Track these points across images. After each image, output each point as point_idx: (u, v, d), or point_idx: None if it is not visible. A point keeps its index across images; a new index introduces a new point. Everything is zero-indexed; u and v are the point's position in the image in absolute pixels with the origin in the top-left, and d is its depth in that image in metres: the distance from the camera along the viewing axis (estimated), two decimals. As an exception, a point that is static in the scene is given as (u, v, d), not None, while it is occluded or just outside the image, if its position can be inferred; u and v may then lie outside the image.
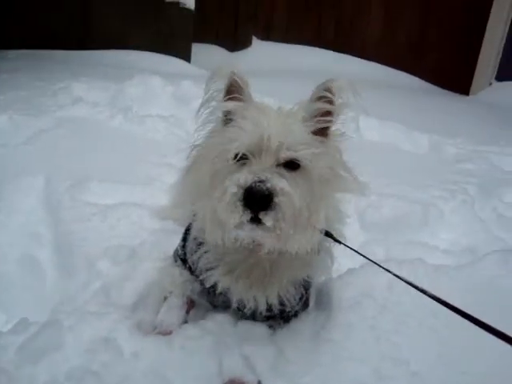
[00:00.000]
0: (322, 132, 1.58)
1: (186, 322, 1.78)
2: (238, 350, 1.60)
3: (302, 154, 1.47)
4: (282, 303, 1.72)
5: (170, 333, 1.69)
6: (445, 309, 1.86)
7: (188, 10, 5.57)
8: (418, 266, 2.07)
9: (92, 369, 1.47)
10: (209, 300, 1.86)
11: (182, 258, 1.88)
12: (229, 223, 1.42)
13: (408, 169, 3.46)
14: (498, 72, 6.56)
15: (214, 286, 1.74)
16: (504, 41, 6.48)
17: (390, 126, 4.43)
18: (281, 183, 1.39)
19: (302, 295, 1.78)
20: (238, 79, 1.57)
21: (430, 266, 2.08)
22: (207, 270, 1.71)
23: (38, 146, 2.99)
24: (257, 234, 1.43)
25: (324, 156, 1.53)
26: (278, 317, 1.79)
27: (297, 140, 1.48)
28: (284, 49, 6.98)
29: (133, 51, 5.50)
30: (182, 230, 2.31)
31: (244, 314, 1.77)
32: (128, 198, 2.50)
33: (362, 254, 1.70)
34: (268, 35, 6.92)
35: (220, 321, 1.74)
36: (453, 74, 6.84)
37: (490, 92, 6.32)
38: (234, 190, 1.39)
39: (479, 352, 1.65)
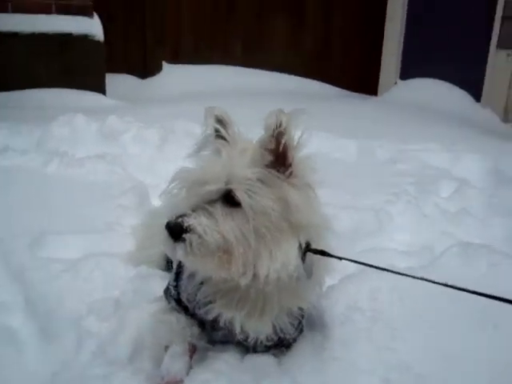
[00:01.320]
0: (284, 169, 1.61)
1: (191, 367, 1.77)
2: (255, 385, 1.62)
3: (237, 188, 1.55)
4: (280, 332, 1.77)
5: (180, 381, 1.68)
6: (429, 309, 2.01)
7: (97, 42, 5.46)
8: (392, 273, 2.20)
9: None
10: (207, 339, 1.87)
11: (175, 298, 1.87)
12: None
13: (347, 176, 3.61)
14: (401, 71, 7.02)
15: (214, 321, 1.76)
16: (402, 41, 6.95)
17: (314, 135, 4.60)
18: (197, 221, 1.53)
19: (300, 322, 1.84)
20: (221, 119, 1.65)
21: (403, 270, 2.21)
22: (208, 303, 1.73)
23: (-26, 205, 2.82)
24: (176, 255, 1.59)
25: (274, 192, 1.58)
26: (279, 345, 1.83)
27: (237, 175, 1.56)
28: (194, 70, 7.02)
29: (45, 89, 5.29)
30: (157, 272, 2.31)
31: (246, 346, 1.81)
32: (93, 248, 2.42)
33: (359, 262, 1.79)
34: (177, 59, 6.93)
35: (226, 359, 1.75)
36: (360, 77, 7.24)
37: (396, 91, 6.74)
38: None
39: (474, 345, 1.79)
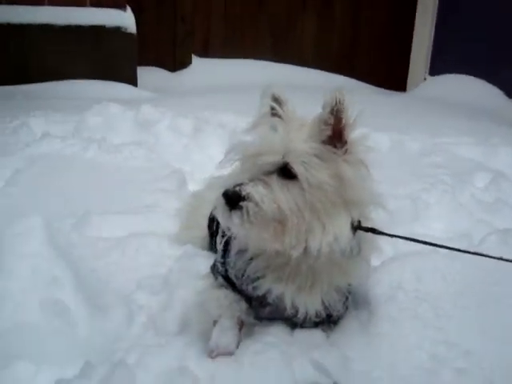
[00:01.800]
0: (339, 144, 1.65)
1: (240, 341, 1.80)
2: (305, 356, 1.66)
3: (294, 161, 1.59)
4: (326, 308, 1.80)
5: (231, 353, 1.71)
6: (472, 288, 2.03)
7: (130, 34, 5.54)
8: (435, 255, 2.22)
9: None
10: (255, 315, 1.90)
11: (223, 274, 1.91)
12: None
13: (382, 167, 3.61)
14: (430, 67, 6.98)
15: (262, 297, 1.80)
16: (433, 36, 6.90)
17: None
18: (255, 190, 1.57)
19: (347, 298, 1.87)
20: (277, 98, 1.68)
21: (444, 254, 2.23)
22: (257, 278, 1.76)
23: (21, 187, 2.89)
24: (231, 225, 1.63)
25: (330, 167, 1.62)
26: (326, 321, 1.86)
27: (296, 149, 1.60)
28: (224, 64, 7.06)
29: (78, 81, 5.39)
30: (202, 252, 2.35)
31: (293, 322, 1.84)
32: (136, 227, 2.48)
33: (411, 239, 1.90)
34: (207, 52, 6.98)
35: (276, 333, 1.79)
36: (388, 73, 7.21)
37: (426, 87, 6.70)
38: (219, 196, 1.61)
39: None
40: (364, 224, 1.77)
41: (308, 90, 6.45)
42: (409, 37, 7.07)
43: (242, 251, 1.81)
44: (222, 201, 1.59)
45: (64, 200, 2.75)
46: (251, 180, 1.60)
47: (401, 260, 2.20)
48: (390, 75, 7.22)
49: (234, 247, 1.85)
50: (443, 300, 1.97)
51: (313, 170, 1.59)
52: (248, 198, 1.56)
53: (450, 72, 6.57)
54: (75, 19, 5.41)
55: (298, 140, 1.62)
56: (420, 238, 2.66)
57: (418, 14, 6.93)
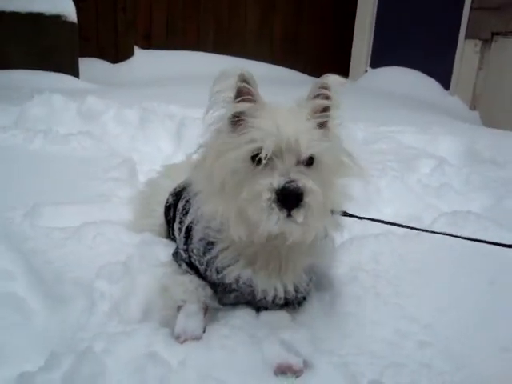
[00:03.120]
0: (322, 125, 1.70)
1: (205, 326, 1.79)
2: (274, 337, 1.66)
3: (317, 151, 1.59)
4: (296, 289, 1.81)
5: (198, 338, 1.70)
6: (425, 267, 2.11)
7: (71, 23, 5.35)
8: (391, 237, 2.29)
9: (150, 385, 1.44)
10: (218, 300, 1.89)
11: (186, 261, 1.89)
12: (265, 223, 1.52)
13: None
14: (371, 60, 7.17)
15: (228, 284, 1.79)
16: (373, 30, 7.09)
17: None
18: (308, 183, 1.52)
19: (311, 279, 1.89)
20: (247, 80, 1.62)
21: (400, 236, 2.31)
22: (226, 266, 1.75)
23: (-37, 180, 2.74)
24: (289, 228, 1.55)
25: (330, 147, 1.66)
26: (291, 302, 1.88)
27: (313, 137, 1.60)
28: (166, 56, 6.98)
29: (17, 70, 5.15)
30: (160, 239, 2.31)
31: (257, 306, 1.85)
32: (91, 216, 2.41)
33: (380, 221, 1.88)
34: (149, 44, 6.87)
35: (243, 316, 1.79)
36: (330, 65, 7.31)
37: (367, 79, 6.89)
38: (268, 195, 1.49)
39: (464, 293, 1.90)
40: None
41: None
42: (350, 29, 7.24)
43: (204, 239, 1.80)
44: (274, 201, 1.48)
45: (12, 191, 2.63)
46: (294, 174, 1.51)
47: (359, 241, 2.25)
48: (332, 67, 7.34)
49: (197, 234, 1.83)
50: (401, 278, 2.03)
51: (326, 156, 1.61)
52: (311, 192, 1.49)
53: (391, 65, 6.79)
54: (13, 5, 5.17)
55: (309, 129, 1.60)
56: (374, 223, 2.77)
57: (358, 9, 7.10)
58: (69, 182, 2.82)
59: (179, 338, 1.69)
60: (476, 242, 2.26)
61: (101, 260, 2.07)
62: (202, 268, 1.85)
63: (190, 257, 1.88)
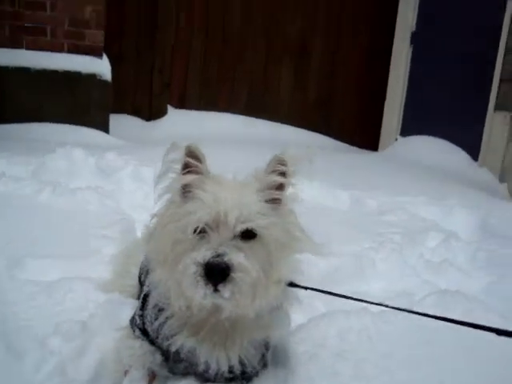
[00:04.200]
0: (275, 199, 1.69)
1: (149, 394, 1.75)
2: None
3: (257, 224, 1.58)
4: (243, 364, 1.75)
5: (136, 406, 1.66)
6: (397, 350, 2.00)
7: (105, 81, 5.65)
8: (364, 314, 2.20)
9: None
10: (169, 369, 1.85)
11: (140, 327, 1.87)
12: (194, 296, 1.53)
13: (335, 224, 3.64)
14: (402, 128, 7.17)
15: (176, 353, 1.76)
16: (404, 99, 7.13)
17: (308, 184, 4.66)
18: (238, 258, 1.50)
19: (263, 355, 1.83)
20: (194, 153, 1.65)
21: (376, 313, 2.21)
22: (171, 335, 1.72)
23: (-39, 226, 2.86)
24: (218, 303, 1.54)
25: (278, 222, 1.65)
26: (240, 378, 1.81)
27: (252, 211, 1.59)
28: (199, 116, 7.19)
29: (49, 124, 5.45)
30: (129, 300, 2.31)
31: (207, 378, 1.79)
32: (70, 272, 2.45)
33: (333, 293, 1.90)
34: (183, 104, 7.12)
35: (186, 387, 1.74)
36: (361, 132, 7.39)
37: (396, 147, 6.87)
38: (194, 269, 1.49)
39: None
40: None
41: (278, 145, 6.59)
42: (382, 98, 7.29)
43: (157, 306, 1.78)
44: (201, 273, 1.48)
45: (4, 241, 2.71)
46: (225, 248, 1.50)
47: (328, 317, 2.17)
48: (363, 135, 7.39)
49: (152, 301, 1.82)
50: (366, 360, 1.93)
51: (271, 230, 1.59)
52: (239, 268, 1.48)
53: (421, 133, 6.75)
54: (52, 64, 5.52)
55: (252, 201, 1.60)
56: (359, 297, 2.68)
57: (390, 78, 7.17)
58: (62, 234, 2.89)
59: (120, 405, 1.66)
60: (462, 327, 2.16)
61: (63, 316, 2.08)
62: (153, 335, 1.83)
63: (143, 323, 1.86)
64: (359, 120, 7.46)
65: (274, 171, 1.68)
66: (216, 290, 1.48)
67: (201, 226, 1.54)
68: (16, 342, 1.97)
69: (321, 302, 2.43)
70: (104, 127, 5.71)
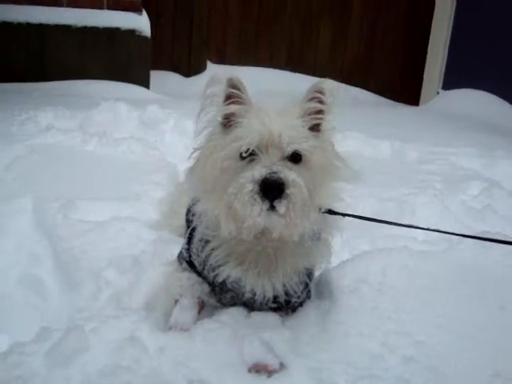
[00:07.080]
0: (315, 128, 1.74)
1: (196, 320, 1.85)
2: (256, 336, 1.69)
3: (304, 147, 1.63)
4: (287, 293, 1.83)
5: (186, 330, 1.76)
6: (436, 284, 2.04)
7: (144, 37, 5.69)
8: (405, 252, 2.23)
9: (122, 364, 1.53)
10: (217, 299, 1.95)
11: (187, 260, 1.96)
12: (249, 215, 1.57)
13: (375, 173, 3.63)
14: (443, 81, 6.99)
15: (222, 283, 1.84)
16: (447, 51, 6.92)
17: (349, 135, 4.64)
18: (291, 175, 1.56)
19: (307, 284, 1.90)
20: (236, 84, 1.70)
21: (416, 252, 2.25)
22: (218, 266, 1.80)
23: (18, 172, 3.01)
24: (272, 220, 1.59)
25: (320, 148, 1.70)
26: (285, 307, 1.89)
27: (298, 134, 1.64)
28: (238, 71, 7.11)
29: (92, 80, 5.54)
30: (178, 239, 2.41)
31: (253, 306, 1.88)
32: (120, 213, 2.57)
33: (370, 219, 1.99)
34: (222, 59, 7.11)
35: (233, 314, 1.84)
36: (402, 86, 7.25)
37: (438, 101, 6.70)
38: (251, 186, 1.54)
39: (472, 315, 1.82)
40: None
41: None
42: (423, 51, 7.10)
43: (203, 239, 1.86)
44: (257, 190, 1.52)
45: (56, 185, 2.85)
46: (278, 166, 1.55)
47: (371, 255, 2.22)
48: (404, 89, 7.25)
49: (198, 235, 1.90)
50: (406, 295, 1.98)
51: (315, 155, 1.66)
52: (293, 184, 1.54)
53: (463, 87, 6.57)
54: (92, 21, 5.58)
55: (299, 126, 1.66)
56: (400, 239, 2.71)
57: (432, 30, 6.96)
58: (110, 181, 3.01)
59: (171, 329, 1.77)
60: (495, 266, 2.17)
61: (115, 252, 2.20)
62: (199, 267, 1.92)
63: (190, 256, 1.95)
64: (400, 74, 7.32)
65: (312, 98, 1.72)
66: (272, 207, 1.53)
67: (252, 147, 1.59)
68: (74, 274, 2.10)
69: (365, 242, 2.49)
70: (145, 83, 5.78)
